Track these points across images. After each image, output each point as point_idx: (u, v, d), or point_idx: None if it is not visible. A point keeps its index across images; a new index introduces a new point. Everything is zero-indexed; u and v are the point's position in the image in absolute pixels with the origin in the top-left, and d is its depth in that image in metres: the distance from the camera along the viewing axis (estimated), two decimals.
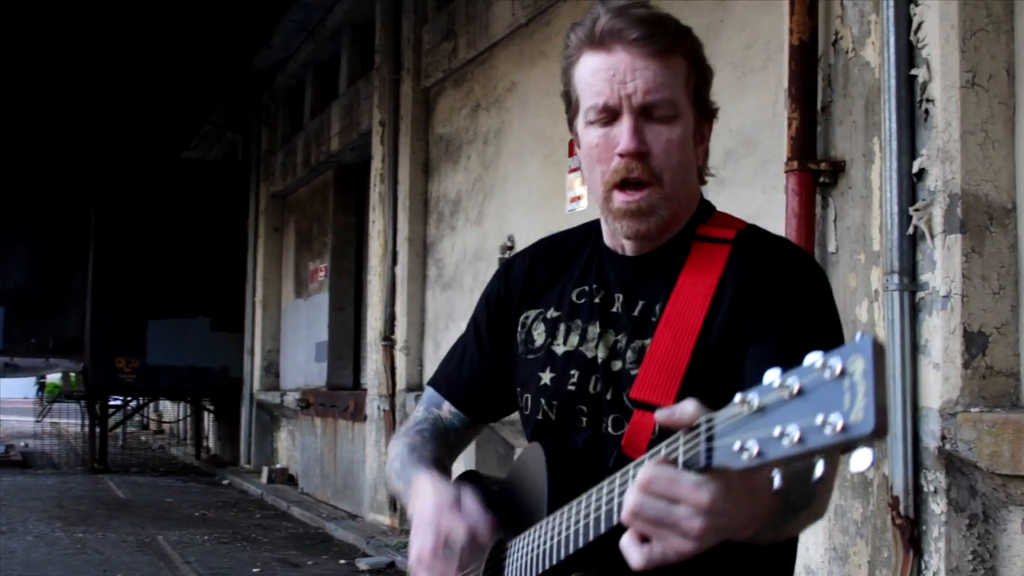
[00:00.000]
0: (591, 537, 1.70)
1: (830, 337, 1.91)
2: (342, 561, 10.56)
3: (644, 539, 1.52)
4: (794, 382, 1.30)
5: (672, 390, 1.91)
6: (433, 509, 2.00)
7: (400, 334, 12.01)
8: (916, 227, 4.81)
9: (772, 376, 1.33)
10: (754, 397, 1.35)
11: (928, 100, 4.84)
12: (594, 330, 2.09)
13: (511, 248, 9.79)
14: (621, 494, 1.60)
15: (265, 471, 17.19)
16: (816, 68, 5.51)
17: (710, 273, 2.00)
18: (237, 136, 21.86)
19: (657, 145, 1.99)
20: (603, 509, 1.67)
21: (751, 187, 6.58)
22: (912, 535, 4.67)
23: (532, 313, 2.21)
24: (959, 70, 4.77)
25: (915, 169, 4.86)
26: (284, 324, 18.84)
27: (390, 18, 12.69)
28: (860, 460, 1.23)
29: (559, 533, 1.81)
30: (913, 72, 4.91)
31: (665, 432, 1.59)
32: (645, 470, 1.49)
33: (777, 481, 1.35)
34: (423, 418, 2.36)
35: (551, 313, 2.17)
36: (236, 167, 20.99)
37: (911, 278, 4.79)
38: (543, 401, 2.12)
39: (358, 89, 14.50)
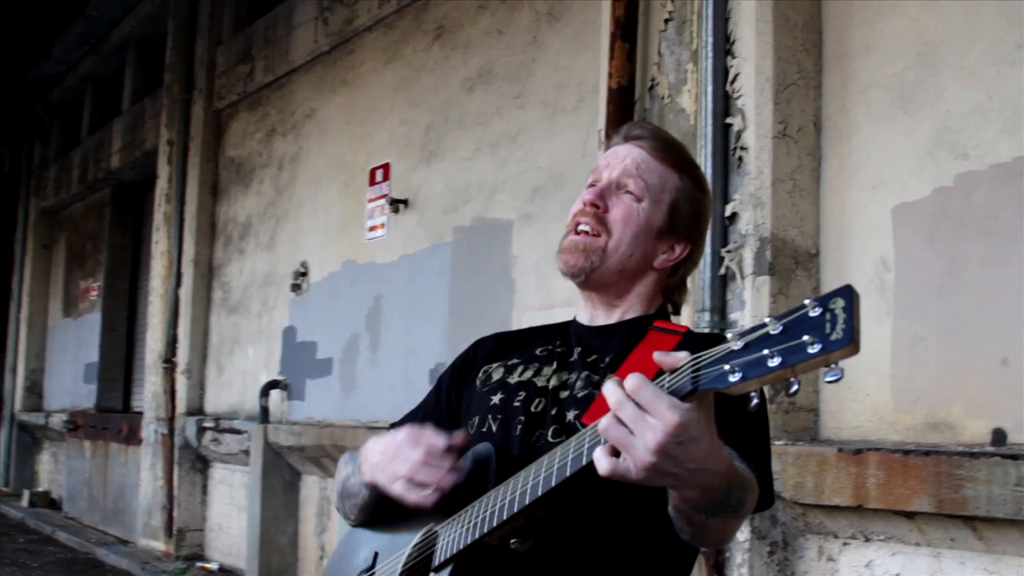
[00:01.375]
0: (553, 483, 1.85)
1: (764, 431, 2.19)
2: None
3: (615, 454, 1.69)
4: (778, 324, 1.56)
5: None
6: (393, 435, 2.19)
7: (182, 357, 11.82)
8: (727, 268, 5.06)
9: (757, 323, 1.59)
10: (739, 338, 1.60)
11: (742, 148, 5.11)
12: (549, 369, 2.30)
13: (304, 274, 9.79)
14: (589, 445, 1.78)
15: (26, 494, 16.60)
16: (632, 111, 5.73)
17: (663, 349, 2.15)
18: (5, 148, 21.09)
19: (616, 209, 2.29)
20: (569, 457, 1.82)
21: (559, 223, 6.72)
22: (716, 561, 4.90)
23: (494, 364, 2.42)
24: (772, 121, 5.07)
25: (728, 213, 5.12)
26: (50, 343, 18.26)
27: (183, 36, 12.50)
28: (833, 375, 1.52)
29: (503, 499, 1.95)
30: (728, 121, 5.18)
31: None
32: (634, 378, 1.67)
33: (754, 402, 1.59)
34: None
35: (512, 362, 2.38)
36: (3, 180, 20.26)
37: (721, 316, 5.03)
38: (489, 416, 2.29)
39: (144, 107, 14.23)
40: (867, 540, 4.70)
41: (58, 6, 14.99)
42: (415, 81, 8.46)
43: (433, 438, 2.12)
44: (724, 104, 5.22)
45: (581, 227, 2.29)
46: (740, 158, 5.14)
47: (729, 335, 1.61)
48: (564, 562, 2.09)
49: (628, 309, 2.34)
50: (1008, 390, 4.35)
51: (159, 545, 11.86)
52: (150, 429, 12.21)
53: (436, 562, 2.09)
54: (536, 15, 7.19)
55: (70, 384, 16.94)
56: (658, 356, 1.71)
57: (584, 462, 1.78)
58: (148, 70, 15.06)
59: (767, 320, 1.58)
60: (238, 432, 10.36)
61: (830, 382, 1.53)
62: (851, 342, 1.50)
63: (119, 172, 15.30)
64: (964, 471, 4.09)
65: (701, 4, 5.38)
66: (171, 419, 11.78)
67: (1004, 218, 4.46)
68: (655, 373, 1.98)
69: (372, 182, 8.82)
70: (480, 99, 7.67)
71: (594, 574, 2.11)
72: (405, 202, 8.34)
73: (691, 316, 5.16)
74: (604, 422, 1.69)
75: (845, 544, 4.81)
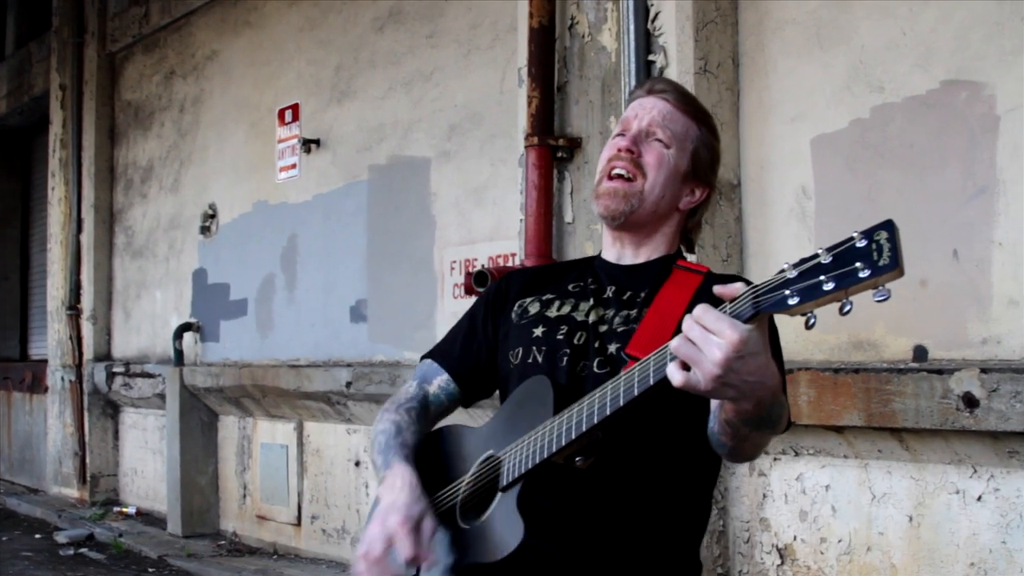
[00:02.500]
0: (621, 403, 2.10)
1: (778, 354, 2.38)
2: (37, 536, 10.31)
3: (685, 368, 1.94)
4: (828, 255, 1.82)
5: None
6: (396, 518, 2.38)
7: (87, 303, 11.77)
8: None
9: (807, 255, 1.86)
10: (793, 268, 1.85)
11: None
12: (586, 304, 2.52)
13: (213, 216, 9.82)
14: (654, 368, 2.04)
15: None
16: (553, 50, 5.89)
17: (688, 287, 2.46)
18: None
19: (648, 154, 2.51)
20: (635, 379, 2.08)
21: (478, 159, 6.94)
22: None
23: (528, 299, 2.61)
24: (692, 57, 5.28)
25: None
26: None
27: None
28: (881, 295, 1.79)
29: (568, 422, 2.20)
30: (651, 58, 5.37)
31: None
32: (701, 307, 1.92)
33: (812, 321, 1.86)
34: (413, 395, 2.68)
35: (546, 296, 2.59)
36: None
37: None
38: (534, 348, 2.50)
39: (30, 51, 13.96)
40: (796, 455, 4.99)
41: None
42: (322, 22, 8.50)
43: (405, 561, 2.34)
44: (646, 42, 5.41)
45: (617, 171, 2.50)
46: None
47: (785, 265, 1.85)
48: (618, 474, 2.34)
49: (654, 249, 2.57)
50: (927, 309, 4.63)
51: (72, 492, 11.85)
52: (56, 377, 12.15)
53: (504, 482, 2.31)
54: None
55: None
56: (718, 289, 1.96)
57: (652, 382, 2.03)
58: (32, 14, 14.76)
59: (818, 251, 1.83)
60: (151, 376, 10.39)
61: (879, 301, 1.78)
62: (897, 266, 1.77)
63: (5, 119, 15.00)
64: (892, 386, 4.38)
65: None
66: (79, 366, 11.74)
67: (919, 147, 4.73)
68: (684, 307, 2.21)
69: (282, 122, 8.86)
70: (391, 38, 7.75)
71: (643, 483, 2.38)
72: (317, 142, 8.41)
73: None
74: (676, 342, 1.92)
75: (776, 459, 5.10)
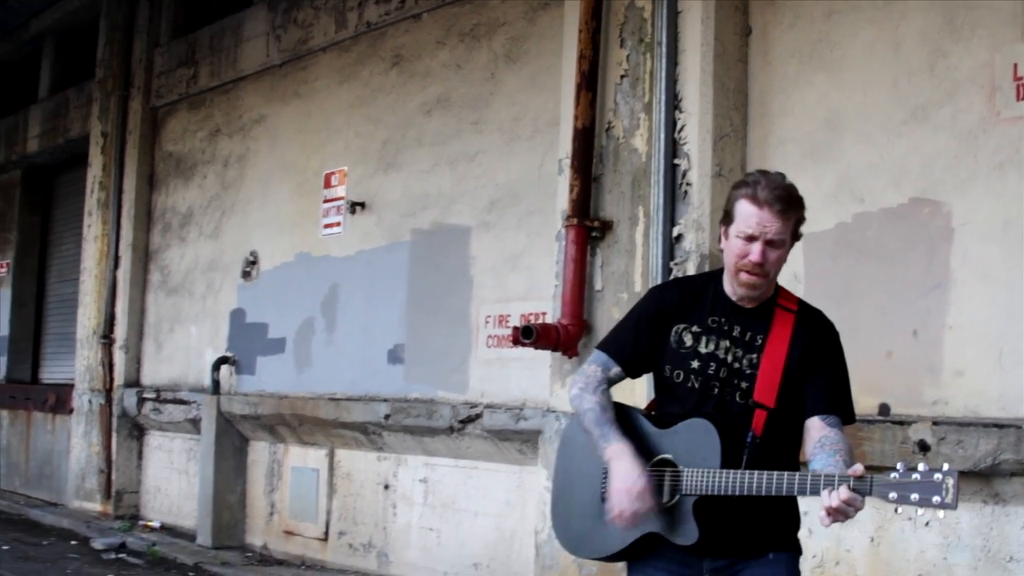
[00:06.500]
0: (781, 492, 3.38)
1: (847, 379, 3.68)
2: (72, 543, 11.39)
3: (830, 515, 3.24)
4: (918, 475, 3.12)
5: (773, 396, 3.56)
6: (631, 486, 3.54)
7: (120, 333, 12.93)
8: (676, 277, 6.55)
9: (901, 468, 3.18)
10: (896, 473, 3.16)
11: (687, 184, 6.61)
12: (724, 343, 3.68)
13: (254, 263, 11.02)
14: (811, 483, 3.32)
15: None
16: (592, 147, 7.18)
17: (786, 328, 3.64)
18: None
19: (770, 259, 3.58)
20: (795, 486, 3.36)
21: (516, 231, 8.22)
22: None
23: (681, 326, 3.75)
24: (711, 163, 6.60)
25: (675, 234, 6.63)
26: None
27: (119, 35, 13.47)
28: (941, 515, 3.13)
29: (744, 481, 3.42)
30: (676, 161, 6.67)
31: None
32: (846, 493, 3.20)
33: (897, 510, 3.20)
34: (600, 378, 3.82)
35: (695, 329, 3.73)
36: None
37: None
38: (692, 376, 3.67)
39: (67, 97, 15.14)
40: None
41: None
42: (371, 100, 9.78)
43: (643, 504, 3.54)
44: (673, 148, 6.71)
45: (753, 273, 3.55)
46: (685, 192, 6.64)
47: (894, 475, 3.17)
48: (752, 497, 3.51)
49: (763, 296, 3.69)
50: (891, 375, 5.95)
51: (95, 506, 12.93)
52: (83, 400, 13.27)
53: (684, 491, 3.53)
54: (494, 55, 8.60)
55: None
56: (854, 470, 3.25)
57: (805, 493, 3.37)
58: (67, 61, 15.96)
59: (916, 472, 3.14)
60: (185, 403, 11.57)
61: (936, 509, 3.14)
62: (954, 507, 3.09)
63: (34, 157, 16.14)
64: (864, 433, 5.68)
65: (653, 65, 6.88)
66: (109, 390, 12.89)
67: (890, 248, 6.05)
68: (786, 351, 3.54)
69: (328, 185, 10.11)
70: (439, 122, 9.04)
71: (765, 500, 3.50)
72: (363, 204, 9.66)
73: None
74: (831, 504, 3.22)
75: None
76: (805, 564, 6.15)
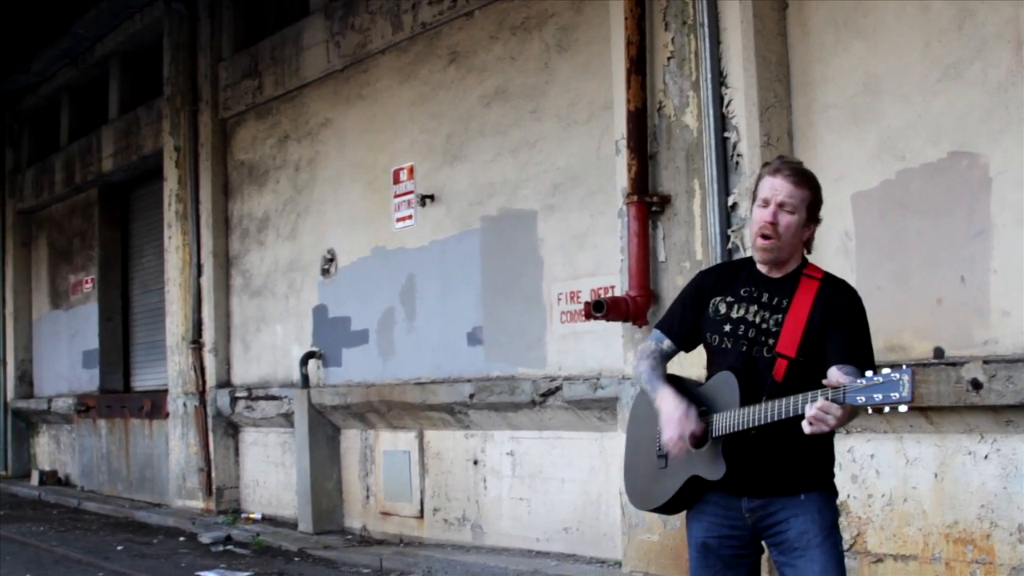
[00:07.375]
0: (781, 416, 3.77)
1: (866, 335, 4.05)
2: (181, 539, 12.00)
3: (811, 423, 3.67)
4: (879, 377, 3.51)
5: (794, 347, 3.98)
6: (676, 413, 4.04)
7: (208, 338, 13.53)
8: (733, 243, 6.96)
9: (870, 374, 3.53)
10: (863, 379, 3.54)
11: (738, 155, 7.02)
12: (753, 308, 4.13)
13: (332, 260, 11.55)
14: (803, 402, 3.70)
15: (35, 474, 18.13)
16: (646, 127, 7.60)
17: (810, 292, 4.07)
18: None
19: (782, 222, 4.04)
20: (791, 407, 3.74)
21: (579, 212, 8.66)
22: None
23: (718, 298, 4.22)
24: (759, 134, 7.00)
25: (730, 203, 7.04)
26: (39, 335, 19.68)
27: (182, 53, 14.06)
28: (902, 408, 3.49)
29: (756, 412, 3.85)
30: (726, 135, 7.07)
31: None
32: (821, 402, 3.62)
33: (868, 410, 3.55)
34: (655, 349, 4.35)
35: (728, 299, 4.20)
36: None
37: None
38: (726, 338, 4.14)
39: (137, 115, 15.77)
40: (848, 432, 6.63)
41: (42, 24, 16.33)
42: (432, 97, 10.26)
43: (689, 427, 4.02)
44: (722, 122, 7.12)
45: (764, 233, 4.02)
46: (737, 162, 7.05)
47: (863, 377, 3.56)
48: (776, 436, 3.92)
49: (789, 266, 4.12)
50: (943, 320, 6.33)
51: (197, 504, 13.57)
52: (178, 403, 13.90)
53: (715, 434, 3.99)
54: (546, 46, 9.04)
55: (66, 371, 18.42)
56: (830, 378, 3.74)
57: (796, 413, 3.73)
58: (134, 81, 16.59)
59: (877, 376, 3.50)
60: (276, 398, 12.15)
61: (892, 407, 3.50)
62: (911, 398, 3.46)
63: (110, 175, 16.80)
64: (920, 377, 6.06)
65: (697, 46, 7.28)
66: (202, 392, 13.50)
67: (933, 200, 6.43)
68: (809, 310, 3.94)
69: (397, 181, 10.60)
70: (498, 112, 9.50)
71: (786, 436, 3.91)
72: (432, 197, 10.15)
73: None
74: (810, 413, 3.62)
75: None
76: (876, 503, 6.60)
